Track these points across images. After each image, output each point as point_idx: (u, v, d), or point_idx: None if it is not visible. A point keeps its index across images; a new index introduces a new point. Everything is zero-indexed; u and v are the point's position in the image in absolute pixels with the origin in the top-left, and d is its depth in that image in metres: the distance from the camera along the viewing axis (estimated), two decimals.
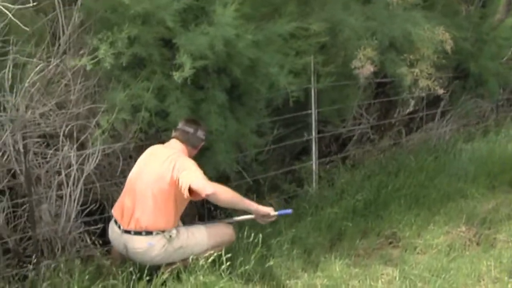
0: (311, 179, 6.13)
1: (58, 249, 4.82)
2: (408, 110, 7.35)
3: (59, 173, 4.83)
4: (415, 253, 4.89)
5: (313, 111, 6.03)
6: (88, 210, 4.95)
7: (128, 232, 4.24)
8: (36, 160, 4.82)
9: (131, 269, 4.16)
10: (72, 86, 4.85)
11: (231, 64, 4.80)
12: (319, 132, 6.50)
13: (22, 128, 4.59)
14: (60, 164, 4.83)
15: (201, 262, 4.16)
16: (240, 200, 4.23)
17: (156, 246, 4.20)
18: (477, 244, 5.05)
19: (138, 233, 4.20)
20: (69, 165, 4.82)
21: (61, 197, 4.83)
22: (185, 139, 4.45)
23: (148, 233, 4.18)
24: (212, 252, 4.27)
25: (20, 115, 4.63)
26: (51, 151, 4.83)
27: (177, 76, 4.33)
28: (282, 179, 6.19)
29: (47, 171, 4.84)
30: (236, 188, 5.52)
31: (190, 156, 4.43)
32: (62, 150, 4.78)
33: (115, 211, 4.40)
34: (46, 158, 4.82)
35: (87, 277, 4.19)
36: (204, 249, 4.31)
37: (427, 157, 6.73)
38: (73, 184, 4.82)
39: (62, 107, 4.89)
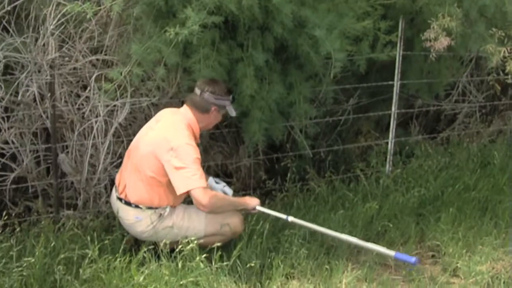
0: (385, 159, 5.34)
1: (80, 201, 4.65)
2: None
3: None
4: (453, 277, 4.02)
5: (396, 83, 5.22)
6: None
7: (120, 199, 3.97)
8: (67, 105, 4.57)
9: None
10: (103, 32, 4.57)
11: (272, 22, 4.18)
12: (410, 107, 5.73)
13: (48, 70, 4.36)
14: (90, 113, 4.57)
15: (191, 245, 3.69)
16: (233, 204, 4.00)
17: (143, 222, 3.89)
18: None
19: (128, 203, 3.93)
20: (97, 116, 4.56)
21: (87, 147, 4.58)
22: (191, 104, 3.98)
23: (137, 207, 3.89)
24: (211, 240, 3.85)
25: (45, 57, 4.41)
26: (81, 98, 4.58)
27: (172, 33, 3.76)
28: (351, 156, 5.48)
29: (81, 118, 4.60)
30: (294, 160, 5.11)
31: (204, 124, 4.04)
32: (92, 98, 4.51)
33: (117, 174, 4.15)
34: (76, 104, 4.57)
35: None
36: (199, 235, 3.87)
37: None
38: (101, 135, 4.57)
39: (95, 53, 4.60)
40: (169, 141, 3.76)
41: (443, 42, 4.30)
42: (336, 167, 5.31)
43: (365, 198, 4.74)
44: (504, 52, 4.32)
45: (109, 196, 4.61)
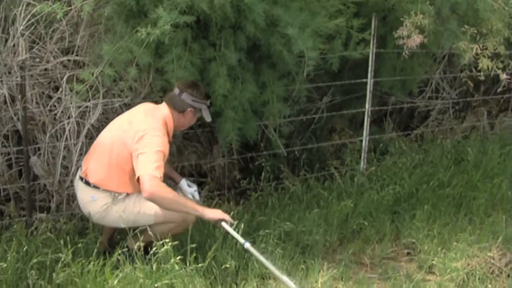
0: (360, 157, 5.34)
1: (53, 204, 4.60)
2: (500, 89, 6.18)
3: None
4: (428, 274, 4.03)
5: (369, 81, 5.22)
6: None
7: (81, 178, 3.94)
8: (39, 107, 4.51)
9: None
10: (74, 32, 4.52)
11: (245, 21, 4.15)
12: (383, 104, 5.74)
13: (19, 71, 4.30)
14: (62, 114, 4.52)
15: (166, 247, 3.64)
16: (183, 204, 3.76)
17: (98, 202, 3.86)
18: (508, 276, 3.97)
19: (87, 183, 3.90)
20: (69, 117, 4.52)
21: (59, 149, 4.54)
22: (169, 101, 3.95)
23: (96, 187, 3.86)
24: (163, 229, 3.81)
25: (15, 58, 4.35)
26: (53, 100, 4.53)
27: (143, 33, 3.72)
28: (326, 154, 5.47)
29: (53, 120, 4.55)
30: (268, 160, 5.08)
31: (179, 124, 4.00)
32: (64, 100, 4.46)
33: (86, 155, 4.13)
34: (48, 106, 4.52)
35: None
36: (150, 222, 3.82)
37: (502, 150, 5.61)
38: (73, 137, 4.52)
39: (66, 53, 4.55)
40: (141, 131, 3.74)
41: (416, 39, 4.30)
42: (311, 165, 5.31)
43: (340, 196, 4.74)
44: (476, 49, 4.33)
45: None
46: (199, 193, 4.29)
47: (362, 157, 5.31)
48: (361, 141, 5.39)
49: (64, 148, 4.54)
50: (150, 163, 3.64)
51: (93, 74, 4.08)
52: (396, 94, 5.49)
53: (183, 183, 4.20)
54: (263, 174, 4.97)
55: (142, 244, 3.77)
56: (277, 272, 3.53)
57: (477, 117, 6.17)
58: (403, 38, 4.33)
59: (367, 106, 5.27)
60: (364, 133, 5.34)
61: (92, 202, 3.87)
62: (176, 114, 3.94)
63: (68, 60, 4.52)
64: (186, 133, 4.98)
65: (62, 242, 3.77)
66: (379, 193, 4.71)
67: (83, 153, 4.54)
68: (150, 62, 4.08)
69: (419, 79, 5.45)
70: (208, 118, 4.02)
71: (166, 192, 3.68)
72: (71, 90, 4.33)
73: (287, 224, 4.18)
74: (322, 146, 5.50)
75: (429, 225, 4.38)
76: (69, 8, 4.05)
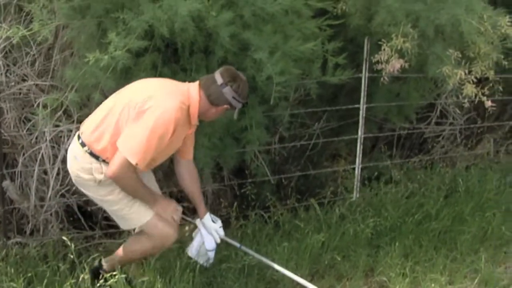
0: (352, 186, 5.10)
1: (28, 229, 4.55)
2: None
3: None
4: None
5: (362, 106, 4.99)
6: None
7: (78, 137, 3.55)
8: (18, 130, 4.49)
9: None
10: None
11: (213, 45, 4.02)
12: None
13: None
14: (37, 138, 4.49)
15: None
16: (141, 193, 3.50)
17: (75, 164, 3.52)
18: None
19: (78, 136, 3.53)
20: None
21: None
22: (205, 86, 3.51)
23: (83, 144, 3.47)
24: (137, 249, 3.65)
25: None
26: (29, 123, 4.49)
27: (105, 60, 3.59)
28: (321, 181, 5.27)
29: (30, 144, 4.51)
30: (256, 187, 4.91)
31: (206, 115, 3.58)
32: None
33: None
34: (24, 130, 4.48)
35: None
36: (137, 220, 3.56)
37: (502, 180, 5.27)
38: (49, 161, 4.47)
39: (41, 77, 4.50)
40: (151, 101, 3.33)
41: (395, 64, 4.09)
42: (303, 193, 5.11)
43: (317, 228, 4.49)
44: (461, 74, 4.07)
45: (61, 223, 4.56)
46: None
47: (355, 186, 5.08)
48: (356, 168, 5.16)
49: (42, 172, 4.51)
50: (135, 143, 3.29)
51: (57, 99, 4.02)
52: (393, 120, 5.23)
53: (207, 218, 3.84)
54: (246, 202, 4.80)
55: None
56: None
57: (482, 144, 5.86)
58: (381, 63, 4.13)
59: (359, 133, 5.04)
60: (357, 161, 5.11)
61: (73, 161, 3.54)
62: (206, 103, 3.50)
63: (45, 84, 4.49)
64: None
65: (12, 270, 3.70)
66: (360, 225, 4.45)
67: (60, 178, 4.50)
68: (114, 87, 3.97)
69: (416, 104, 5.18)
70: (236, 116, 3.70)
71: (132, 179, 3.39)
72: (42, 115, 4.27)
73: (253, 259, 3.96)
74: (318, 173, 5.29)
75: (404, 262, 4.11)
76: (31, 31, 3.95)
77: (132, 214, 3.55)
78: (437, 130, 5.78)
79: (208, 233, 3.78)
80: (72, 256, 3.68)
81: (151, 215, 3.55)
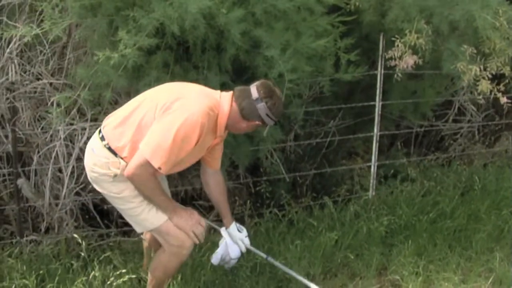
0: (368, 184, 5.07)
1: (43, 227, 4.58)
2: None
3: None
4: None
5: (377, 103, 4.94)
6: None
7: (100, 131, 3.46)
8: (33, 129, 4.53)
9: None
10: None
11: (225, 43, 4.00)
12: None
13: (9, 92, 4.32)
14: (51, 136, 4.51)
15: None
16: (157, 197, 3.33)
17: (92, 158, 3.41)
18: None
19: (100, 130, 3.44)
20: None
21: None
22: (239, 99, 3.37)
23: (103, 138, 3.37)
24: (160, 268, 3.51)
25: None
26: (44, 122, 4.53)
27: (115, 58, 3.59)
28: (334, 180, 5.23)
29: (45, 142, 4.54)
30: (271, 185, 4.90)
31: (234, 127, 3.46)
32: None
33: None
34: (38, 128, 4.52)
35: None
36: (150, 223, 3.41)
37: None
38: (63, 159, 4.49)
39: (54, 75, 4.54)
40: (179, 102, 3.22)
41: (409, 60, 4.05)
42: (319, 191, 5.08)
43: (330, 226, 4.46)
44: (476, 70, 4.01)
45: (76, 221, 4.59)
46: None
47: (371, 184, 5.04)
48: (372, 166, 5.11)
49: (57, 170, 4.53)
50: (159, 146, 3.16)
51: (70, 97, 4.04)
52: (409, 118, 5.18)
53: (233, 227, 3.72)
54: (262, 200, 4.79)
55: None
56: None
57: (500, 142, 5.78)
58: (394, 59, 4.09)
59: (375, 130, 4.99)
60: (373, 158, 5.06)
61: (90, 153, 3.43)
62: (238, 115, 3.37)
63: (58, 82, 4.51)
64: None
65: (24, 267, 3.72)
66: (374, 223, 4.41)
67: (75, 176, 4.52)
68: (125, 85, 3.97)
69: (432, 101, 5.12)
70: (266, 133, 3.70)
71: (151, 182, 3.26)
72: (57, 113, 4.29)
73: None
74: (334, 171, 5.26)
75: (417, 261, 4.05)
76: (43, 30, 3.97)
77: (144, 215, 3.40)
78: (454, 127, 5.71)
79: (234, 243, 3.68)
80: (82, 254, 3.69)
81: (165, 218, 3.40)
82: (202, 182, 3.79)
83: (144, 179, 3.23)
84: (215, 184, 3.72)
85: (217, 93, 3.45)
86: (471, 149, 5.70)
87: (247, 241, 3.73)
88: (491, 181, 5.07)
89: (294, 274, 3.61)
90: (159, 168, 3.17)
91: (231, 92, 3.43)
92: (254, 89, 3.36)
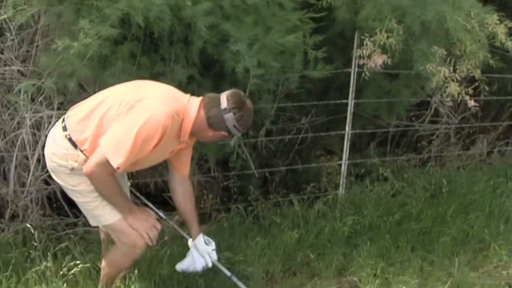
0: (338, 181, 5.02)
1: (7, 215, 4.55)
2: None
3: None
4: None
5: (350, 102, 4.89)
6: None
7: (63, 120, 3.38)
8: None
9: None
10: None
11: (193, 35, 3.95)
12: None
13: None
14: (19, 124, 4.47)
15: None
16: (114, 197, 3.27)
17: (52, 147, 3.34)
18: None
19: (63, 119, 3.36)
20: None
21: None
22: (207, 106, 3.28)
23: (65, 128, 3.30)
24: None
25: None
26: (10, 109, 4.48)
27: (75, 47, 3.54)
28: (307, 177, 5.18)
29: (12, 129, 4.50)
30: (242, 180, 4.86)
31: (199, 134, 3.36)
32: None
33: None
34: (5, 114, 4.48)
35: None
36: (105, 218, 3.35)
37: (490, 182, 5.12)
38: (30, 147, 4.45)
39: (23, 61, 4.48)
40: (142, 100, 3.15)
41: (377, 60, 4.00)
42: (289, 187, 5.03)
43: (294, 224, 4.42)
44: (444, 72, 3.96)
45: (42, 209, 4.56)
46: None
47: (341, 182, 4.99)
48: (342, 165, 5.07)
49: (24, 158, 4.49)
50: (119, 145, 3.08)
51: (34, 85, 3.99)
52: (383, 117, 5.13)
53: (200, 239, 3.60)
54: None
55: None
56: None
57: (476, 145, 5.73)
58: (363, 58, 4.04)
59: (347, 128, 4.94)
60: (344, 157, 5.01)
61: (51, 142, 3.36)
62: (204, 123, 3.28)
63: (27, 70, 4.47)
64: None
65: None
66: (338, 223, 4.36)
67: (41, 164, 4.48)
68: (89, 75, 3.92)
69: (407, 101, 5.06)
70: (232, 143, 3.58)
71: (109, 182, 3.19)
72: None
73: (224, 253, 3.89)
74: (307, 168, 5.21)
75: (378, 262, 4.01)
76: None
77: (99, 210, 3.34)
78: (431, 128, 5.66)
79: (200, 255, 3.57)
80: (35, 244, 3.66)
81: (119, 217, 3.34)
82: (169, 188, 3.71)
83: (102, 178, 3.18)
84: (182, 191, 3.63)
85: (186, 97, 3.36)
86: (446, 151, 5.65)
87: (214, 255, 3.60)
88: (462, 184, 5.03)
89: None
90: (117, 168, 3.11)
91: (200, 98, 3.34)
92: (224, 98, 3.27)
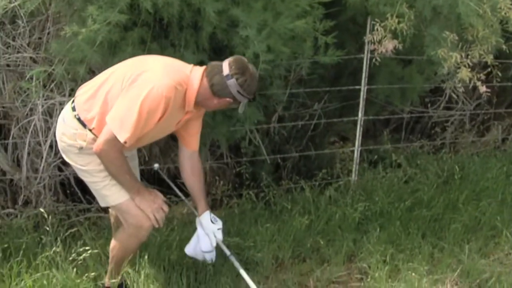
0: (351, 168, 5.00)
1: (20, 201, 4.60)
2: None
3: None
4: None
5: (363, 88, 4.86)
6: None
7: (73, 101, 3.42)
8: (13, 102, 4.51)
9: None
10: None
11: (202, 21, 3.94)
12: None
13: None
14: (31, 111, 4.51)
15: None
16: (123, 176, 3.27)
17: (62, 127, 3.38)
18: None
19: (73, 100, 3.40)
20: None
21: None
22: (210, 74, 3.27)
23: (74, 109, 3.34)
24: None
25: None
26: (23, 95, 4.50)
27: (83, 33, 3.54)
28: (320, 164, 5.16)
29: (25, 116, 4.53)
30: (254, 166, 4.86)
31: (205, 104, 3.35)
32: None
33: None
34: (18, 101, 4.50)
35: None
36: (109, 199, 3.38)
37: (503, 169, 5.05)
38: (42, 133, 4.49)
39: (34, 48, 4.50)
40: (143, 74, 3.15)
41: (388, 45, 3.95)
42: (301, 174, 5.02)
43: (304, 210, 4.41)
44: (456, 57, 3.91)
45: (55, 195, 4.59)
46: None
47: (353, 169, 4.97)
48: (355, 151, 5.04)
49: (37, 144, 4.52)
50: (125, 120, 3.09)
51: (45, 71, 4.01)
52: (395, 103, 5.09)
53: (206, 216, 3.53)
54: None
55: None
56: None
57: (491, 132, 5.67)
58: (373, 43, 4.01)
59: (359, 114, 4.91)
60: (356, 143, 4.98)
61: (61, 123, 3.40)
62: (208, 92, 3.26)
63: (39, 57, 4.48)
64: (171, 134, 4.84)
65: None
66: (349, 209, 4.34)
67: (53, 150, 4.51)
68: (99, 61, 3.93)
69: (420, 87, 5.00)
70: (241, 110, 3.46)
71: (118, 160, 3.20)
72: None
73: (233, 239, 3.90)
74: (320, 155, 5.19)
75: (388, 249, 3.99)
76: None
77: (107, 190, 3.36)
78: (445, 115, 5.60)
79: (205, 234, 3.50)
80: (48, 229, 3.68)
81: (127, 197, 3.36)
82: (179, 165, 3.69)
83: (111, 155, 3.19)
84: (190, 166, 3.60)
85: (188, 67, 3.35)
86: (461, 138, 5.60)
87: (219, 234, 3.51)
88: (475, 170, 4.98)
89: (247, 278, 3.35)
90: (125, 142, 3.11)
91: (203, 67, 3.33)
92: (225, 65, 3.26)
